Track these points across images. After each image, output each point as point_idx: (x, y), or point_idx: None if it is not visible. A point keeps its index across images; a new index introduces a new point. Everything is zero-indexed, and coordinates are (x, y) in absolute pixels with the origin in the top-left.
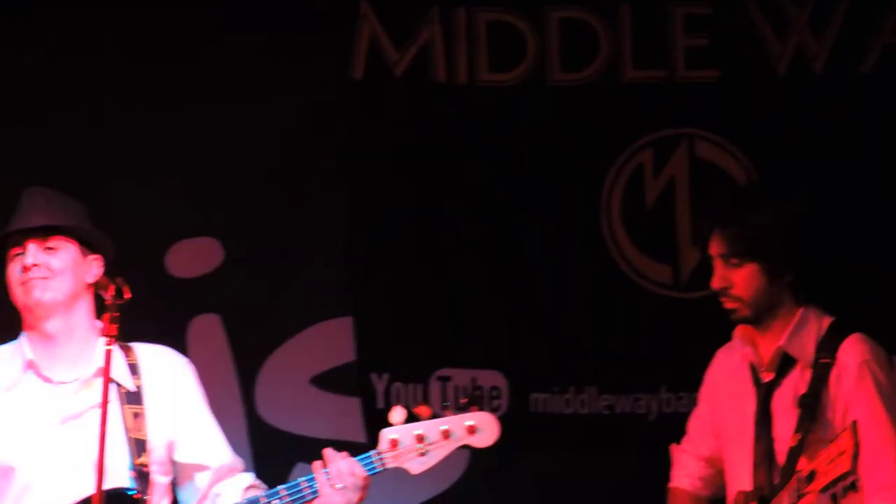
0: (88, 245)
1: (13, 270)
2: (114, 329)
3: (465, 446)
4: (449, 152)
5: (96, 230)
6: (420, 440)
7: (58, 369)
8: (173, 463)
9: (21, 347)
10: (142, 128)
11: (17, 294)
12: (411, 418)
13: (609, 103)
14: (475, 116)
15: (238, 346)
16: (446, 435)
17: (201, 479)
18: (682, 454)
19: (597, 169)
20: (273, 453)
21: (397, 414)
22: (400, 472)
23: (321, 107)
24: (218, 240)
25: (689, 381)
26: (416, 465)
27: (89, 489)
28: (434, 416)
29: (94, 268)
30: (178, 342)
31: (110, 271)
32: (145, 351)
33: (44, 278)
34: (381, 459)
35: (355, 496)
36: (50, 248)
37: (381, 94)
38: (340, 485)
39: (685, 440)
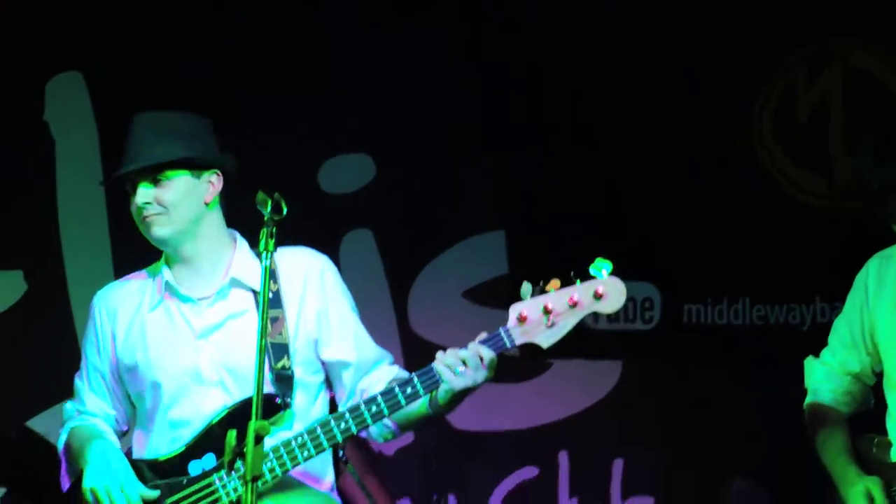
0: (202, 165)
1: (132, 208)
2: (271, 244)
3: (593, 314)
4: (600, 68)
5: (206, 150)
6: (548, 311)
7: (195, 286)
8: (321, 362)
9: (160, 269)
10: (294, 45)
11: (141, 230)
12: (540, 294)
13: (762, 15)
14: (629, 29)
15: (390, 260)
16: (574, 304)
17: (347, 376)
18: (825, 367)
19: (750, 80)
20: (426, 365)
21: (525, 289)
22: (553, 389)
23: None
24: (370, 155)
25: (844, 291)
26: (545, 338)
27: (232, 396)
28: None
29: (211, 185)
30: (330, 257)
31: (262, 187)
32: (283, 254)
33: (158, 214)
34: (509, 335)
35: (479, 376)
36: (160, 182)
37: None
38: (459, 369)
39: (827, 353)
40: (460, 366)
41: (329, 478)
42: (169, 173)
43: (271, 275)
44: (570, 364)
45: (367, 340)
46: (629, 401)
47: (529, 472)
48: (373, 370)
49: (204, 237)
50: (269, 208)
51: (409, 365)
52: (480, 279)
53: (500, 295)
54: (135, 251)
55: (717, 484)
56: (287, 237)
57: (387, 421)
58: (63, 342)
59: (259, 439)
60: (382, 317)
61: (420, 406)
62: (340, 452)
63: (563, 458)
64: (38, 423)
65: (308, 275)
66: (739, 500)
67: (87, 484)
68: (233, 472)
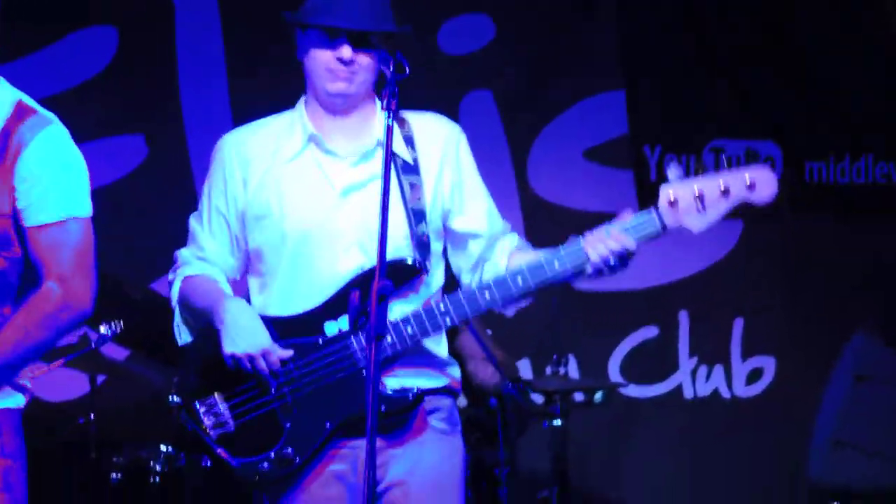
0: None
1: (322, 54)
2: (394, 104)
3: (743, 205)
4: None
5: (403, 30)
6: (699, 197)
7: (340, 142)
8: (447, 231)
9: (302, 119)
10: None
11: (320, 75)
12: (689, 177)
13: None
14: None
15: (510, 121)
16: (725, 191)
17: (474, 246)
18: None
19: None
20: (545, 226)
21: (674, 171)
22: (673, 248)
23: None
24: (489, 14)
25: None
26: (696, 223)
27: (370, 259)
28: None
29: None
30: (451, 117)
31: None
32: (420, 121)
33: (352, 73)
34: (661, 218)
35: (621, 268)
36: (363, 45)
37: None
38: (611, 261)
39: None
40: (610, 259)
41: (445, 344)
42: (375, 41)
43: (409, 141)
44: None
45: (496, 212)
46: (749, 259)
47: (649, 331)
48: (498, 242)
49: (359, 96)
50: (391, 68)
51: (529, 226)
52: (601, 139)
53: (620, 155)
54: (255, 114)
55: (839, 340)
56: (407, 99)
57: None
58: (185, 205)
59: (383, 299)
60: (502, 178)
61: None
62: None
63: (684, 318)
64: (161, 285)
65: (446, 144)
66: (860, 356)
67: (228, 349)
68: (360, 332)
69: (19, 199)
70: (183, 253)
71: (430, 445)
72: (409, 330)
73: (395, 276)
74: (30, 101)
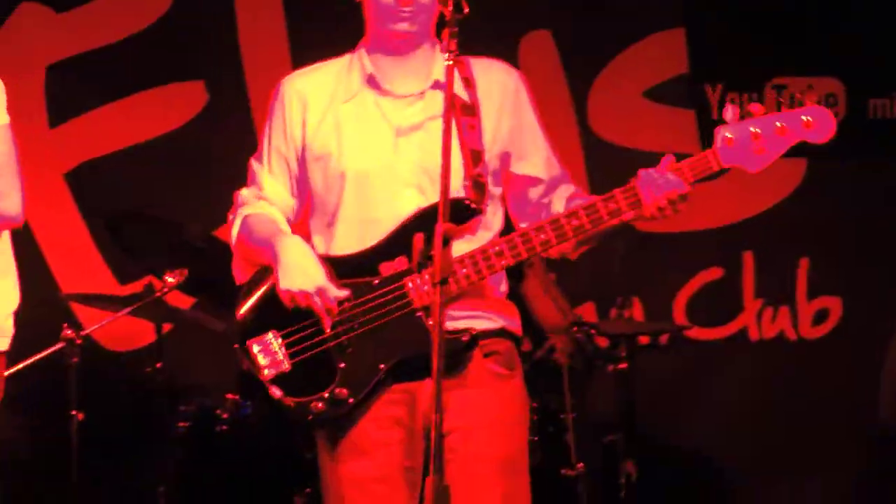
0: None
1: None
2: (454, 44)
3: (802, 143)
4: None
5: None
6: (756, 137)
7: (397, 82)
8: (507, 176)
9: (361, 60)
10: None
11: (381, 16)
12: (746, 117)
13: None
14: None
15: (569, 60)
16: (782, 131)
17: (533, 192)
18: None
19: None
20: (606, 166)
21: (730, 111)
22: (737, 188)
23: None
24: None
25: None
26: (753, 164)
27: (426, 199)
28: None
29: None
30: (510, 59)
31: None
32: (480, 65)
33: (414, 13)
34: (717, 158)
35: (676, 208)
36: None
37: None
38: (658, 194)
39: None
40: (664, 201)
41: (504, 285)
42: None
43: (468, 83)
44: None
45: (554, 159)
46: (814, 199)
47: (714, 273)
48: (556, 189)
49: (424, 38)
50: (451, 7)
51: (590, 167)
52: (660, 79)
53: (680, 94)
54: (315, 58)
55: None
56: (466, 40)
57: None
58: (246, 151)
59: (447, 242)
60: (562, 120)
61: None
62: None
63: (748, 259)
64: (225, 233)
65: (506, 88)
66: None
67: (284, 285)
68: (423, 275)
69: None
70: (243, 193)
71: (488, 389)
72: (465, 272)
73: (451, 217)
74: None
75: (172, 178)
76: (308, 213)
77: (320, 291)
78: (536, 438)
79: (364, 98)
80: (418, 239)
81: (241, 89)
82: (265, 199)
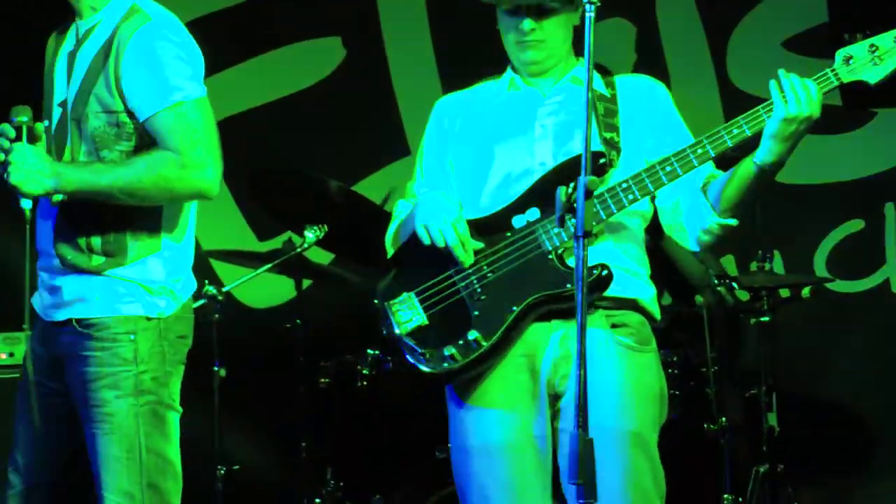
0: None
1: (508, 27)
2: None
3: None
4: None
5: None
6: (873, 49)
7: (540, 83)
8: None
9: (505, 75)
10: None
11: (512, 48)
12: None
13: None
14: None
15: (707, 11)
16: None
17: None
18: None
19: None
20: None
21: (850, 38)
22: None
23: None
24: None
25: None
26: (872, 75)
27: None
28: None
29: (580, 11)
30: (648, 10)
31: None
32: (621, 75)
33: (539, 41)
34: (836, 73)
35: (807, 109)
36: (543, 15)
37: None
38: (790, 95)
39: None
40: (790, 92)
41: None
42: (554, 7)
43: (607, 77)
44: (895, 113)
45: (689, 137)
46: None
47: (854, 225)
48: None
49: (563, 54)
50: (582, 13)
51: (728, 118)
52: (800, 28)
53: (819, 44)
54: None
55: None
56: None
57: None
58: (384, 106)
59: (589, 194)
60: (701, 71)
61: (745, 166)
62: None
63: (890, 211)
64: (363, 187)
65: (645, 87)
66: None
67: (420, 221)
68: (564, 227)
69: (128, 99)
70: (399, 203)
71: (615, 361)
72: (595, 210)
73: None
74: (144, 4)
75: (311, 133)
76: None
77: (456, 223)
78: (678, 392)
79: (509, 96)
80: (561, 192)
81: (378, 44)
82: None
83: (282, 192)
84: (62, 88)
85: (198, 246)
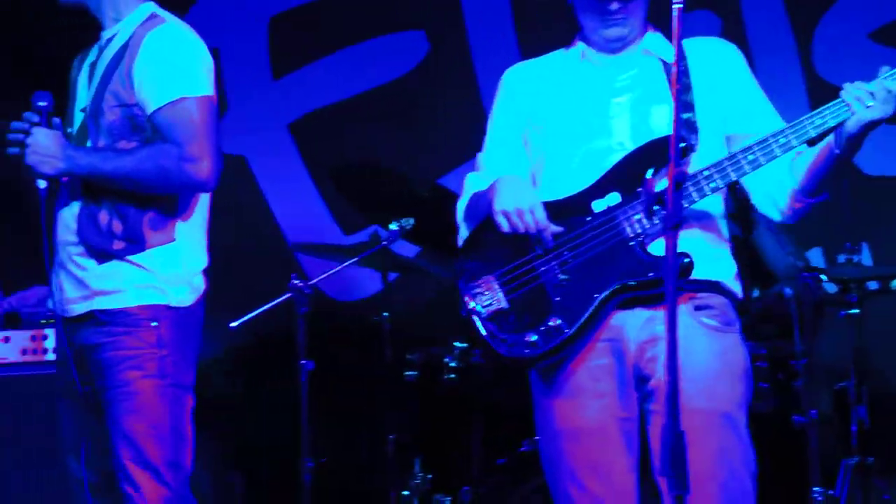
0: None
1: (589, 4)
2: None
3: None
4: None
5: None
6: None
7: (607, 57)
8: (727, 137)
9: (576, 44)
10: None
11: (595, 23)
12: None
13: None
14: None
15: (794, 2)
16: None
17: None
18: None
19: None
20: None
21: None
22: None
23: None
24: None
25: None
26: None
27: (634, 144)
28: None
29: None
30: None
31: None
32: (693, 39)
33: (625, 18)
34: None
35: (888, 109)
36: None
37: None
38: (868, 102)
39: None
40: (869, 98)
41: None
42: None
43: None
44: None
45: (774, 115)
46: None
47: None
48: None
49: (641, 26)
50: None
51: (813, 108)
52: (887, 20)
53: None
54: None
55: None
56: None
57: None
58: (468, 100)
59: (678, 185)
60: (786, 62)
61: (824, 150)
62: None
63: None
64: (448, 181)
65: (718, 53)
66: None
67: (499, 207)
68: (636, 207)
69: (137, 93)
70: (469, 176)
71: (700, 342)
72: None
73: (662, 154)
74: (161, 12)
75: (396, 127)
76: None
77: (534, 209)
78: (767, 385)
79: (581, 69)
80: (650, 184)
81: (462, 37)
82: (491, 179)
83: (367, 185)
84: (84, 96)
85: (284, 240)
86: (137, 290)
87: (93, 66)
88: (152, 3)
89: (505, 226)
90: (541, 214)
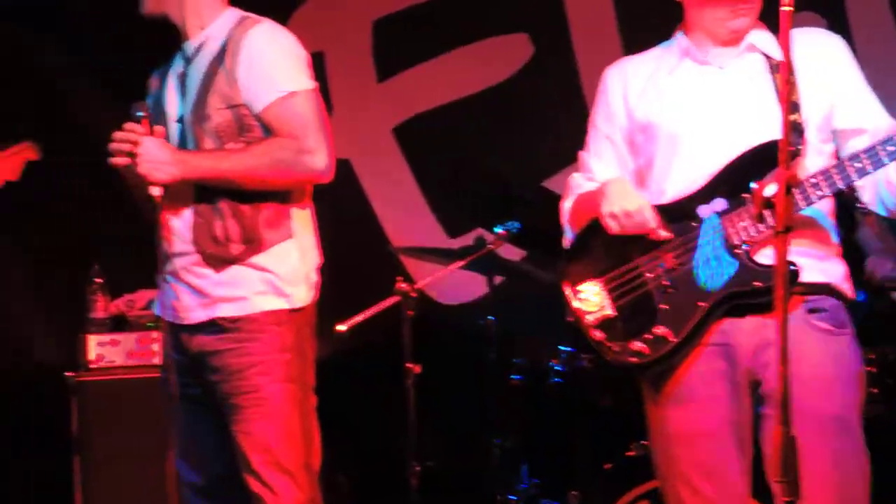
0: None
1: None
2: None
3: None
4: None
5: None
6: None
7: (714, 51)
8: (833, 131)
9: (678, 40)
10: None
11: (720, 14)
12: None
13: None
14: None
15: None
16: None
17: (858, 142)
18: None
19: None
20: None
21: None
22: None
23: None
24: None
25: None
26: None
27: (739, 149)
28: None
29: None
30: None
31: None
32: (799, 31)
33: (752, 9)
34: None
35: None
36: None
37: None
38: None
39: None
40: None
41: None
42: None
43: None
44: None
45: (880, 109)
46: None
47: None
48: (883, 136)
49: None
50: None
51: None
52: None
53: None
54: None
55: None
56: None
57: None
58: (573, 103)
59: (789, 190)
60: (893, 62)
61: None
62: (858, 205)
63: None
64: (553, 183)
65: (823, 48)
66: None
67: (606, 209)
68: (741, 215)
69: (244, 92)
70: (574, 177)
71: (814, 346)
72: None
73: (769, 159)
74: (253, 16)
75: (500, 130)
76: (636, 185)
77: (643, 209)
78: (877, 390)
79: (684, 68)
80: (758, 190)
81: (566, 41)
82: (594, 179)
83: (471, 188)
84: (176, 107)
85: (387, 243)
86: (260, 295)
87: (182, 76)
88: (237, 9)
89: (614, 227)
90: (650, 215)
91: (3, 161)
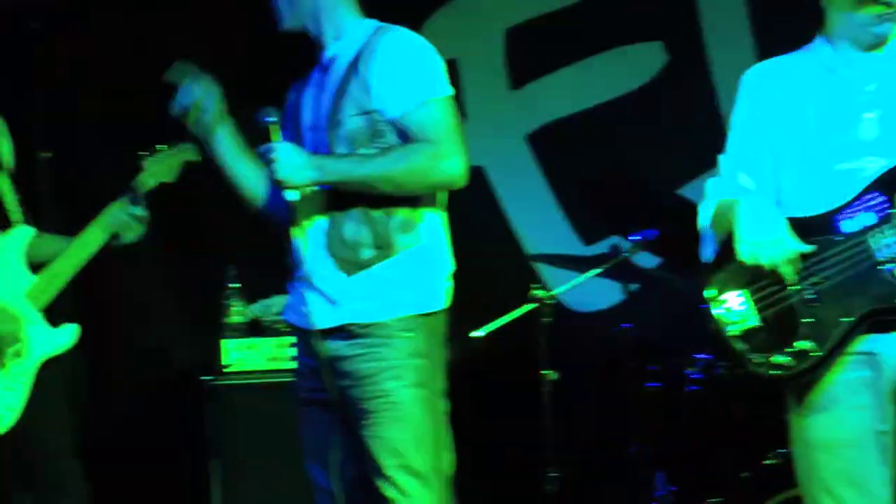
0: None
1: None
2: None
3: None
4: None
5: None
6: None
7: (854, 62)
8: None
9: (818, 45)
10: None
11: (862, 22)
12: None
13: None
14: None
15: None
16: None
17: None
18: None
19: None
20: None
21: None
22: None
23: None
24: None
25: None
26: None
27: (888, 162)
28: None
29: None
30: None
31: None
32: None
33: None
34: None
35: None
36: None
37: None
38: None
39: None
40: None
41: None
42: None
43: None
44: None
45: None
46: None
47: None
48: None
49: None
50: None
51: None
52: None
53: None
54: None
55: None
56: None
57: None
58: (707, 110)
59: None
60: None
61: None
62: None
63: None
64: (689, 191)
65: None
66: None
67: (743, 239)
68: (885, 231)
69: (378, 99)
70: (710, 182)
71: None
72: None
73: None
74: (385, 24)
75: (635, 137)
76: (775, 193)
77: (780, 242)
78: None
79: (826, 78)
80: None
81: (700, 49)
82: (735, 186)
83: (606, 195)
84: (309, 116)
85: (522, 250)
86: (391, 301)
87: (318, 86)
88: (371, 19)
89: (753, 261)
90: (791, 251)
91: (162, 162)
